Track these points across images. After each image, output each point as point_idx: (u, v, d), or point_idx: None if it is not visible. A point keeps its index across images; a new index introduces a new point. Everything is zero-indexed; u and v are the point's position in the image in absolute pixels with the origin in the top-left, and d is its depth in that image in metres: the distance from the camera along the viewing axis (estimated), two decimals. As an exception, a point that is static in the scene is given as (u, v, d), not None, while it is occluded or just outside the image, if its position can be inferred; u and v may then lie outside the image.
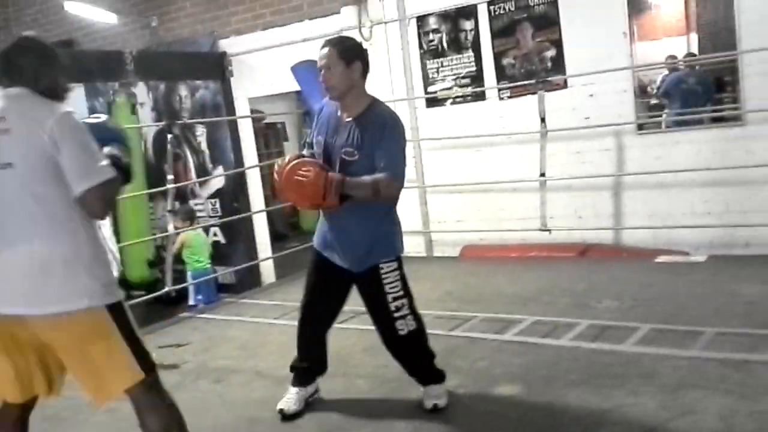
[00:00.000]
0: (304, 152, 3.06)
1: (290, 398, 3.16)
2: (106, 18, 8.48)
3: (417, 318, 3.01)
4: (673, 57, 5.97)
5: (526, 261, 5.86)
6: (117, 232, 5.54)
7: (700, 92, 5.72)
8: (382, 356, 3.59)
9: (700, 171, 5.33)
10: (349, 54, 2.84)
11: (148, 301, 5.79)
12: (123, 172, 2.16)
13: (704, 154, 5.38)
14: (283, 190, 2.86)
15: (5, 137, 2.04)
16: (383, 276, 2.91)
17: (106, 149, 2.18)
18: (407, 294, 2.97)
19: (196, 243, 6.70)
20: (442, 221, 6.65)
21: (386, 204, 2.93)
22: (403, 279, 2.97)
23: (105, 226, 4.16)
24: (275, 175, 2.90)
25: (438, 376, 3.13)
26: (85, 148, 2.05)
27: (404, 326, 2.94)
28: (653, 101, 6.12)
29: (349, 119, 2.87)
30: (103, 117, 2.34)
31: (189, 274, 6.66)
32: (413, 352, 3.08)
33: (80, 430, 3.28)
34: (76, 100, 7.93)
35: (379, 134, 2.81)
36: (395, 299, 2.93)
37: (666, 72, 5.90)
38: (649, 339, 3.61)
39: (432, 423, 2.97)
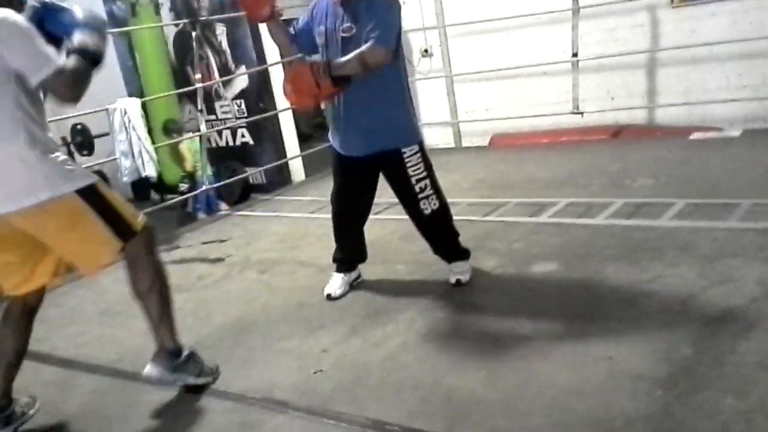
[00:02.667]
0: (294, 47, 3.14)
1: (335, 282, 3.33)
2: None
3: (440, 197, 3.13)
4: None
5: (558, 146, 5.82)
6: (151, 134, 5.54)
7: None
8: (419, 242, 3.68)
9: (736, 43, 5.15)
10: None
11: (182, 203, 5.88)
12: (90, 57, 2.19)
13: (740, 25, 5.17)
14: (286, 96, 2.96)
15: None
16: (406, 160, 3.01)
17: (76, 37, 2.19)
18: (429, 175, 3.08)
19: (196, 154, 6.71)
20: (470, 111, 6.57)
21: (389, 86, 2.96)
22: (425, 161, 3.07)
23: (139, 127, 4.20)
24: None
25: (463, 253, 3.28)
26: (27, 44, 2.09)
27: (428, 205, 3.08)
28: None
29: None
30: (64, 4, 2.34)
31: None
32: (438, 230, 3.21)
33: (134, 321, 3.43)
34: (93, 2, 7.81)
35: (373, 6, 2.82)
36: (418, 181, 3.04)
37: None
38: (685, 213, 3.62)
39: (471, 299, 3.07)
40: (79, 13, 2.25)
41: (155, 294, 2.44)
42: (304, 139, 8.81)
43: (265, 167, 7.01)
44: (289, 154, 7.52)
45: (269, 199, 5.75)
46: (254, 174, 7.35)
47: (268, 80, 7.58)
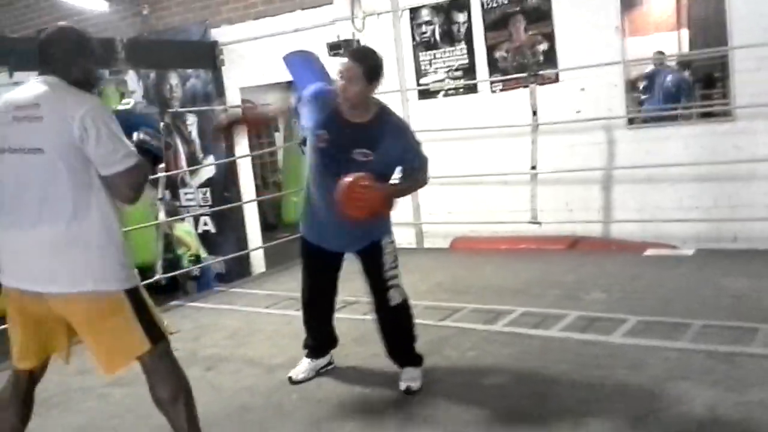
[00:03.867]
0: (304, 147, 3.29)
1: (301, 367, 3.39)
2: (97, 6, 8.41)
3: (404, 296, 3.21)
4: (660, 53, 5.94)
5: (516, 253, 5.89)
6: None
7: (675, 90, 5.69)
8: (373, 345, 3.62)
9: (688, 166, 5.37)
10: (373, 74, 2.95)
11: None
12: (151, 156, 2.30)
13: (693, 149, 5.42)
14: (346, 208, 2.88)
15: (37, 124, 2.15)
16: (384, 249, 3.12)
17: (135, 135, 2.29)
18: (397, 266, 3.18)
19: (189, 238, 6.71)
20: (433, 213, 6.66)
21: None
22: (396, 252, 3.19)
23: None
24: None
25: (415, 359, 3.28)
26: (112, 137, 2.15)
27: (396, 296, 3.15)
28: (642, 96, 6.12)
29: (360, 122, 2.99)
30: (131, 102, 2.38)
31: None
32: (400, 325, 3.24)
33: (71, 415, 3.28)
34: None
35: (401, 141, 3.04)
36: (390, 269, 3.14)
37: (651, 67, 5.90)
38: (637, 331, 3.64)
39: (421, 411, 2.99)
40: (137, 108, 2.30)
41: (181, 404, 2.34)
42: (269, 228, 8.82)
43: (225, 257, 6.94)
44: (250, 245, 7.49)
45: (225, 291, 5.66)
46: (215, 263, 7.27)
47: (235, 171, 7.66)
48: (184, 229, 6.91)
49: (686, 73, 5.75)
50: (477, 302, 4.42)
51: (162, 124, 5.71)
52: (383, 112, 3.06)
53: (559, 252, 5.75)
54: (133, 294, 2.25)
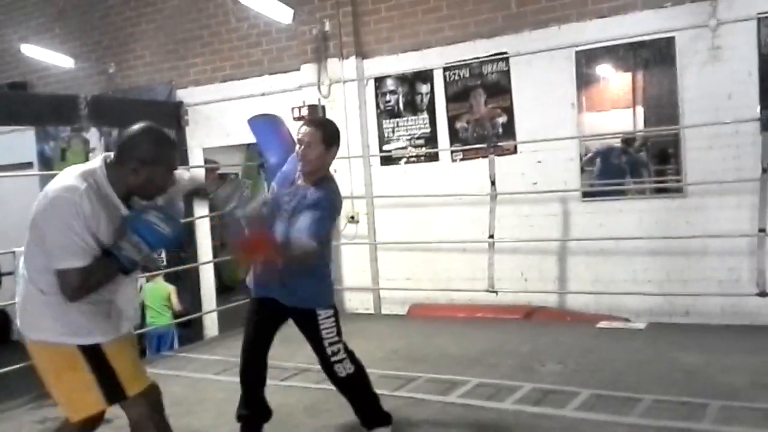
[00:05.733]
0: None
1: None
2: (62, 62, 8.42)
3: (355, 362, 3.17)
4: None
5: (472, 321, 5.87)
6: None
7: (627, 166, 5.82)
8: (323, 415, 3.54)
9: (641, 239, 5.49)
10: (331, 139, 3.10)
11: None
12: (123, 267, 2.26)
13: (646, 223, 5.55)
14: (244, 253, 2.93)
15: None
16: (320, 322, 3.09)
17: (129, 238, 2.24)
18: (341, 340, 3.14)
19: (155, 296, 6.54)
20: (391, 279, 6.65)
21: (321, 262, 3.14)
22: (337, 325, 3.15)
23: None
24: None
25: (382, 419, 3.26)
26: (60, 234, 2.18)
27: (342, 369, 3.12)
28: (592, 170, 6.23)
29: (303, 183, 3.10)
30: (159, 208, 2.36)
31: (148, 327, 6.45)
32: (354, 394, 3.22)
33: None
34: (26, 142, 7.79)
35: (317, 199, 3.01)
36: (331, 344, 3.10)
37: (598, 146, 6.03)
38: (589, 405, 3.63)
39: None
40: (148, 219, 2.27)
41: None
42: (223, 291, 8.68)
43: (178, 321, 6.78)
44: (205, 308, 7.35)
45: (173, 356, 5.50)
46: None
47: (192, 232, 7.57)
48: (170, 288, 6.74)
49: (638, 151, 5.90)
50: (432, 372, 4.37)
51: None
52: (325, 178, 3.14)
53: (515, 321, 5.75)
54: (90, 352, 2.27)
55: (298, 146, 3.08)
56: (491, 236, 5.78)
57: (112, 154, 2.33)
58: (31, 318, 2.32)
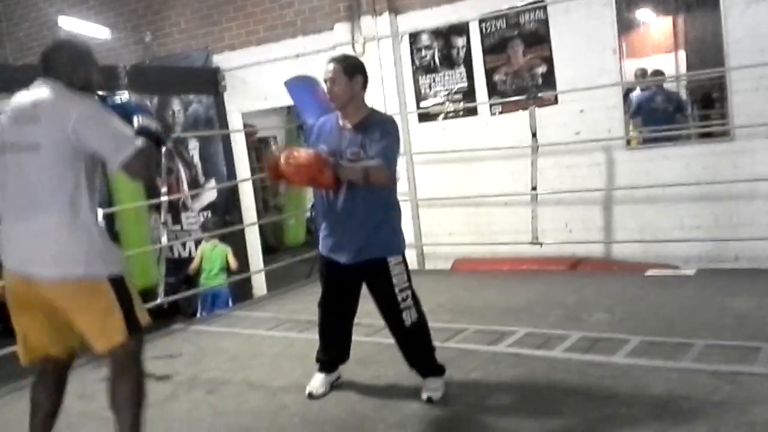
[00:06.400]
0: None
1: (317, 381, 3.45)
2: (99, 33, 8.51)
3: (419, 309, 3.25)
4: (652, 73, 5.90)
5: (517, 274, 5.88)
6: (117, 239, 5.60)
7: (669, 110, 5.74)
8: (374, 366, 3.62)
9: (688, 186, 5.40)
10: (352, 69, 3.19)
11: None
12: (154, 138, 2.42)
13: (692, 169, 5.45)
14: (281, 170, 3.02)
15: (33, 125, 2.35)
16: (391, 269, 3.17)
17: (135, 120, 2.43)
18: (410, 287, 3.23)
19: (212, 257, 6.69)
20: (434, 235, 6.68)
21: (385, 201, 3.22)
22: (407, 272, 3.24)
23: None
24: (270, 161, 3.19)
25: (437, 369, 3.34)
26: (110, 130, 2.33)
27: (408, 317, 3.20)
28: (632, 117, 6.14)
29: (350, 126, 3.19)
30: (125, 96, 2.62)
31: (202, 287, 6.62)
32: (417, 342, 3.30)
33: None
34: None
35: (379, 133, 3.12)
36: (402, 290, 3.19)
37: (638, 91, 5.93)
38: (640, 351, 3.63)
39: (425, 433, 2.98)
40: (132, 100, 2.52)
41: (131, 405, 2.45)
42: (270, 251, 8.83)
43: (228, 281, 6.93)
44: (252, 269, 7.49)
45: (226, 314, 5.65)
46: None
47: (236, 194, 7.69)
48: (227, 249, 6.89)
49: (682, 94, 5.79)
50: (479, 323, 4.41)
51: (164, 149, 5.74)
52: (372, 113, 3.26)
53: (561, 273, 5.75)
54: (117, 283, 2.40)
55: (325, 84, 3.20)
56: (534, 188, 5.75)
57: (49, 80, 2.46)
58: (53, 255, 2.34)
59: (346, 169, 3.05)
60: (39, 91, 2.43)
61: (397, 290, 3.18)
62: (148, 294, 6.09)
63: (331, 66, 3.18)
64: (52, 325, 2.46)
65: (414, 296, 3.24)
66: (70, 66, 2.48)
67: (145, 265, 7.09)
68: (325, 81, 3.19)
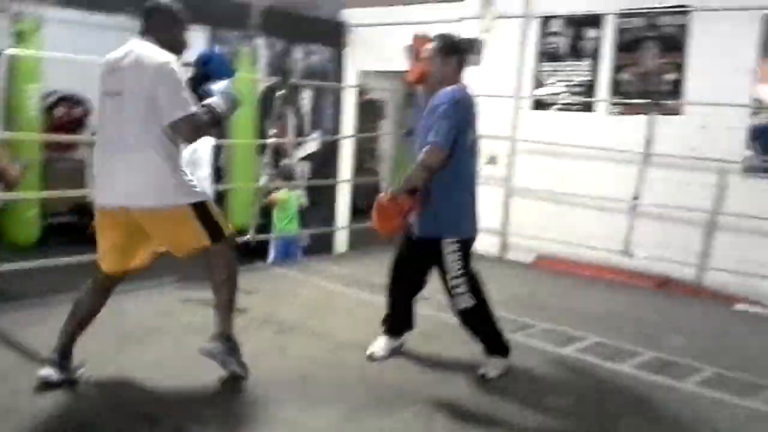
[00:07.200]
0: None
1: (380, 344, 3.53)
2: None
3: (475, 296, 3.25)
4: None
5: (600, 281, 5.75)
6: (220, 176, 5.91)
7: None
8: (437, 341, 3.67)
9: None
10: (448, 50, 3.25)
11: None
12: (214, 117, 2.85)
13: (812, 208, 5.12)
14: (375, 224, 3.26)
15: (120, 73, 2.80)
16: (446, 253, 3.20)
17: (213, 97, 2.89)
18: (466, 274, 3.22)
19: (288, 204, 6.86)
20: (521, 224, 6.59)
21: (447, 179, 3.17)
22: (464, 259, 3.22)
23: (201, 167, 4.35)
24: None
25: (500, 350, 3.38)
26: (175, 88, 2.75)
27: (461, 303, 3.25)
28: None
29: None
30: (226, 83, 2.97)
31: (274, 232, 6.78)
32: (472, 326, 3.35)
33: (147, 352, 3.50)
34: (200, 42, 8.22)
35: (434, 106, 3.15)
36: (453, 278, 3.21)
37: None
38: (711, 382, 3.50)
39: (474, 412, 3.01)
40: (223, 84, 2.93)
41: (226, 288, 2.99)
42: (355, 213, 8.96)
43: (312, 231, 7.11)
44: (338, 224, 7.65)
45: (307, 264, 5.82)
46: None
47: (336, 150, 7.83)
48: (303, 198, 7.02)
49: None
50: (550, 322, 4.36)
51: (279, 93, 5.91)
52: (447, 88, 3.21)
53: (646, 289, 5.57)
54: (197, 207, 2.86)
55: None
56: (636, 198, 5.56)
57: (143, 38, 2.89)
58: (145, 188, 2.79)
59: (408, 184, 3.13)
60: (131, 45, 2.85)
61: (449, 276, 3.22)
62: (243, 233, 6.36)
63: (429, 44, 3.24)
64: (134, 243, 2.94)
65: (470, 282, 3.24)
66: (160, 27, 2.90)
67: (245, 202, 7.37)
68: (420, 58, 3.25)
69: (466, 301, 3.24)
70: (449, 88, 3.18)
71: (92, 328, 3.05)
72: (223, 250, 2.96)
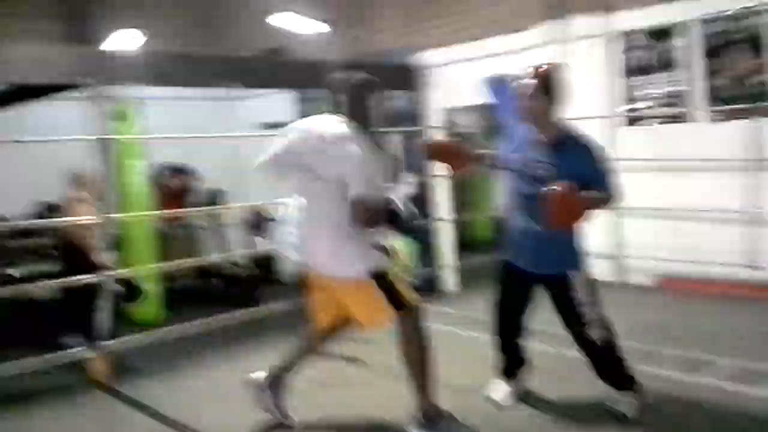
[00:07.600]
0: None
1: (499, 387, 3.53)
2: (315, 29, 9.00)
3: (605, 326, 3.20)
4: None
5: (728, 298, 5.41)
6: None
7: None
8: (557, 381, 3.55)
9: None
10: (547, 88, 3.17)
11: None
12: (391, 216, 3.09)
13: None
14: (556, 216, 3.06)
15: (321, 155, 3.03)
16: (575, 285, 3.17)
17: (399, 194, 3.32)
18: (595, 302, 3.19)
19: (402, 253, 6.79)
20: (636, 247, 6.31)
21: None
22: (592, 287, 3.21)
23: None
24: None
25: (627, 383, 3.26)
26: (361, 171, 2.95)
27: (595, 334, 3.17)
28: None
29: (545, 140, 3.20)
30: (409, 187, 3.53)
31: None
32: (605, 357, 3.25)
33: (338, 396, 3.54)
34: (287, 104, 8.51)
35: (585, 159, 3.15)
36: (585, 304, 3.17)
37: None
38: None
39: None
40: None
41: (417, 362, 3.10)
42: (465, 248, 8.84)
43: (416, 272, 7.06)
44: (444, 264, 7.56)
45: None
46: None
47: (431, 189, 7.80)
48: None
49: None
50: (679, 348, 4.13)
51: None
52: (566, 130, 3.22)
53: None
54: (378, 278, 3.05)
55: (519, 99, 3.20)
56: (755, 207, 5.23)
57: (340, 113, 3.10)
58: (334, 259, 3.05)
59: (593, 204, 3.09)
60: (325, 124, 3.08)
61: (579, 304, 3.17)
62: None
63: (524, 82, 3.19)
64: (333, 304, 3.21)
65: (599, 313, 3.20)
66: (351, 104, 3.08)
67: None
68: (519, 94, 3.19)
69: (602, 332, 3.17)
70: (576, 131, 3.23)
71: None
72: (408, 322, 3.08)
